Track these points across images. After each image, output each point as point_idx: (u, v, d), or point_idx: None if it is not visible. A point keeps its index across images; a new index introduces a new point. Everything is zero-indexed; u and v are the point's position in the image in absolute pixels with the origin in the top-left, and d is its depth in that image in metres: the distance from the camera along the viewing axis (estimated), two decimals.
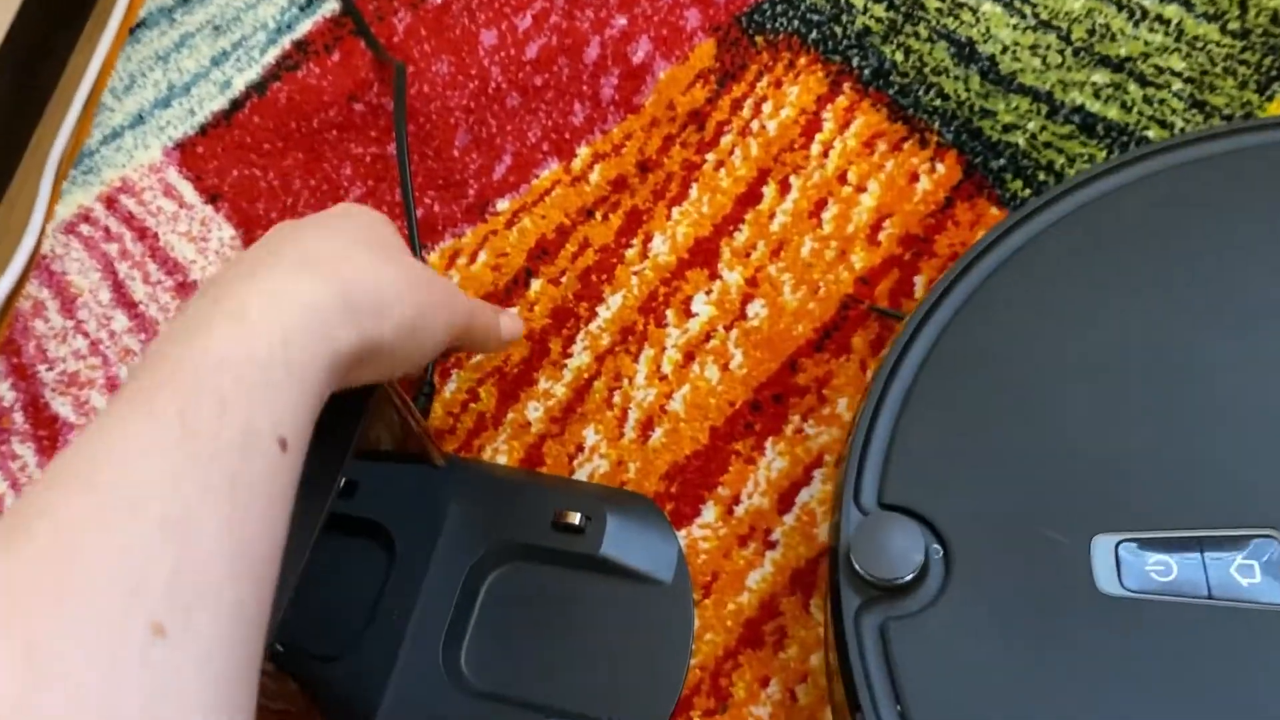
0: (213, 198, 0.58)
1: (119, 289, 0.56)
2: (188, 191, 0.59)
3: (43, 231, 0.59)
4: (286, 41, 0.63)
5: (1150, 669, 0.32)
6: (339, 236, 0.35)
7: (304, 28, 0.64)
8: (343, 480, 0.37)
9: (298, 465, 0.30)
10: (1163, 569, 0.33)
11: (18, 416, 0.53)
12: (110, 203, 0.59)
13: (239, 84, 0.62)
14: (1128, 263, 0.39)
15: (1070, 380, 0.37)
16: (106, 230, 0.58)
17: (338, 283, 0.32)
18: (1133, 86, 0.52)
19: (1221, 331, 0.37)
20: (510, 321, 0.44)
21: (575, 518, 0.43)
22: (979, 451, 0.36)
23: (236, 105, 0.62)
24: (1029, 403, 0.37)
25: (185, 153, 0.60)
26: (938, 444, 0.37)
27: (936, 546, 0.35)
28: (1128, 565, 0.33)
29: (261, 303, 0.30)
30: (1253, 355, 0.36)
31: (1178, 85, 0.52)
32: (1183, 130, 0.50)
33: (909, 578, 0.34)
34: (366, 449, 0.44)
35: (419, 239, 0.54)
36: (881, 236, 0.50)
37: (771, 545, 0.44)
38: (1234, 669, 0.32)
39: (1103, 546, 0.34)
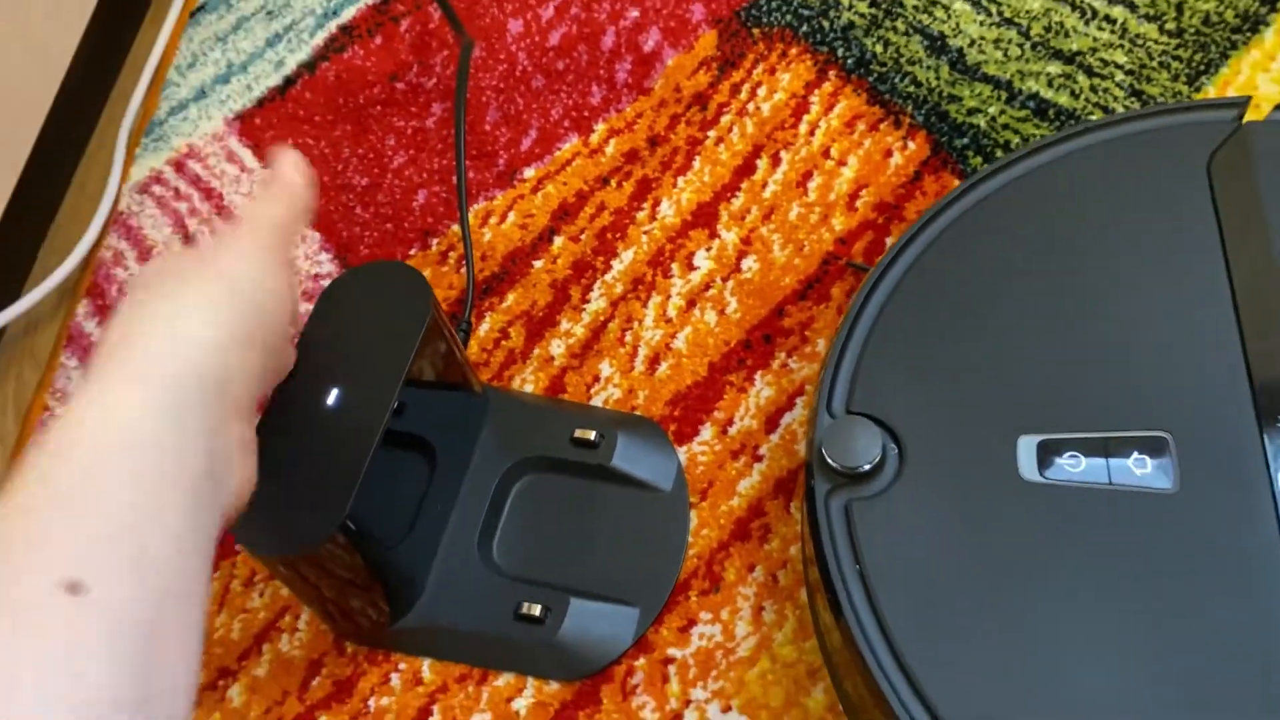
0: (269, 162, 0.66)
1: (188, 238, 0.64)
2: (247, 157, 0.66)
3: (119, 191, 0.66)
4: (333, 26, 0.71)
5: (1061, 540, 0.40)
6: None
7: (349, 14, 0.71)
8: (397, 402, 0.44)
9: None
10: (1074, 462, 0.41)
11: None
12: (179, 166, 0.67)
13: (291, 63, 0.70)
14: (1054, 220, 0.47)
15: (1005, 313, 0.45)
16: (176, 190, 0.66)
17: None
18: (1081, 77, 0.60)
19: (1127, 274, 0.45)
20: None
21: (590, 435, 0.51)
22: (929, 370, 0.44)
23: (289, 82, 0.69)
24: (971, 331, 0.45)
25: (244, 123, 0.68)
26: (895, 364, 0.45)
27: (893, 444, 0.43)
28: (1046, 459, 0.41)
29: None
30: (1151, 293, 0.44)
31: (1120, 76, 0.60)
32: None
33: (868, 467, 0.42)
34: (414, 378, 0.51)
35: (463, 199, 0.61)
36: (858, 204, 0.58)
37: (759, 459, 0.52)
38: (1127, 539, 0.40)
39: (1025, 444, 0.42)
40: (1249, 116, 0.48)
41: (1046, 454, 0.41)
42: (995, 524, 0.41)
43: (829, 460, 0.42)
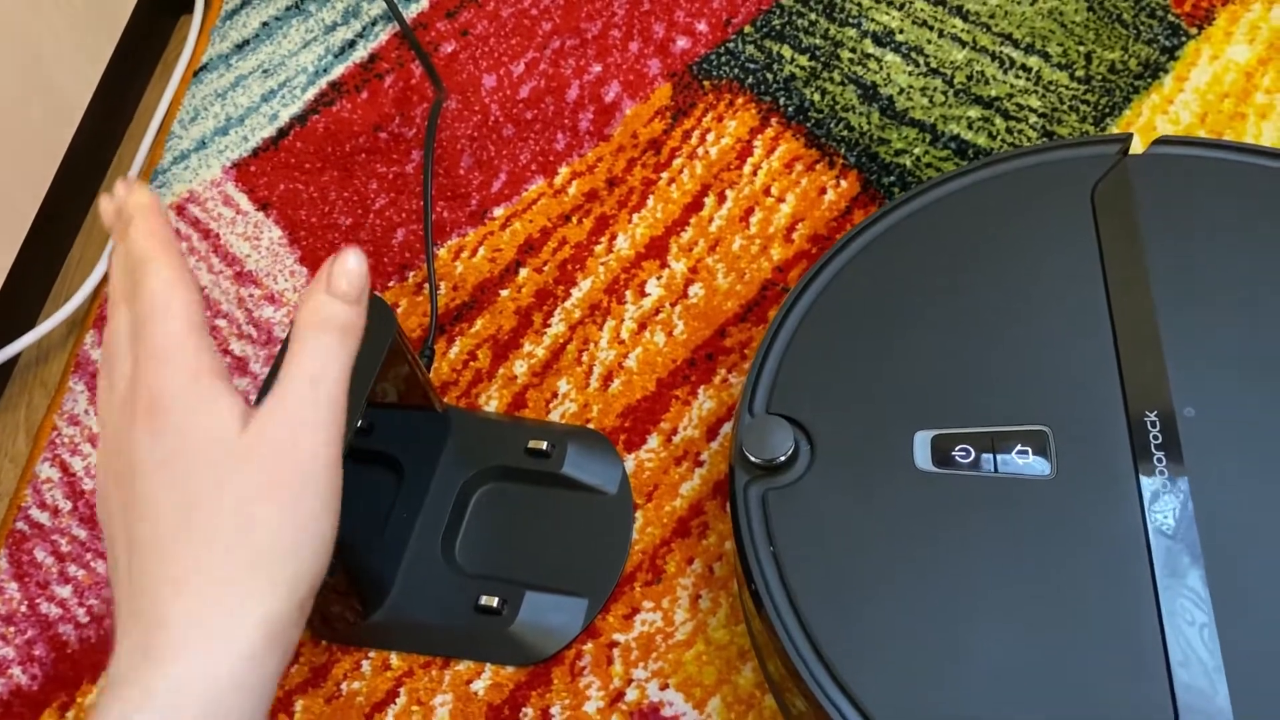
0: (263, 206, 0.72)
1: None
2: (243, 201, 0.73)
3: None
4: (324, 82, 0.77)
5: (953, 524, 0.45)
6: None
7: (338, 71, 0.78)
8: (360, 421, 0.49)
9: None
10: (964, 454, 0.46)
11: None
12: (180, 210, 0.73)
13: (284, 116, 0.76)
14: (956, 242, 0.52)
15: (909, 325, 0.50)
16: (177, 232, 0.72)
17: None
18: (998, 120, 0.66)
19: (1018, 289, 0.50)
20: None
21: (543, 445, 0.56)
22: (840, 375, 0.49)
23: (282, 133, 0.76)
24: (879, 341, 0.50)
25: (240, 171, 0.74)
26: (810, 370, 0.50)
27: (805, 440, 0.48)
28: (939, 452, 0.46)
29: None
30: (1038, 306, 0.49)
31: (1033, 119, 0.66)
32: None
33: (781, 459, 0.47)
34: (382, 400, 0.56)
35: (432, 238, 0.67)
36: (795, 235, 0.64)
37: (700, 464, 0.57)
38: (1010, 520, 0.44)
39: (921, 438, 0.47)
40: (1134, 151, 0.54)
41: (940, 447, 0.46)
42: (894, 510, 0.46)
43: (747, 454, 0.47)
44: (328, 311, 0.36)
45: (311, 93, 0.77)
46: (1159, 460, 0.44)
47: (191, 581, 0.32)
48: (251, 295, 0.68)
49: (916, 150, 0.66)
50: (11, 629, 0.57)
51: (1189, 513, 0.43)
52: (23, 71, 0.68)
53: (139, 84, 0.81)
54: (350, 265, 0.37)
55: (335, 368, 0.36)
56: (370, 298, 0.52)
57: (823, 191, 0.65)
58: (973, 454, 0.46)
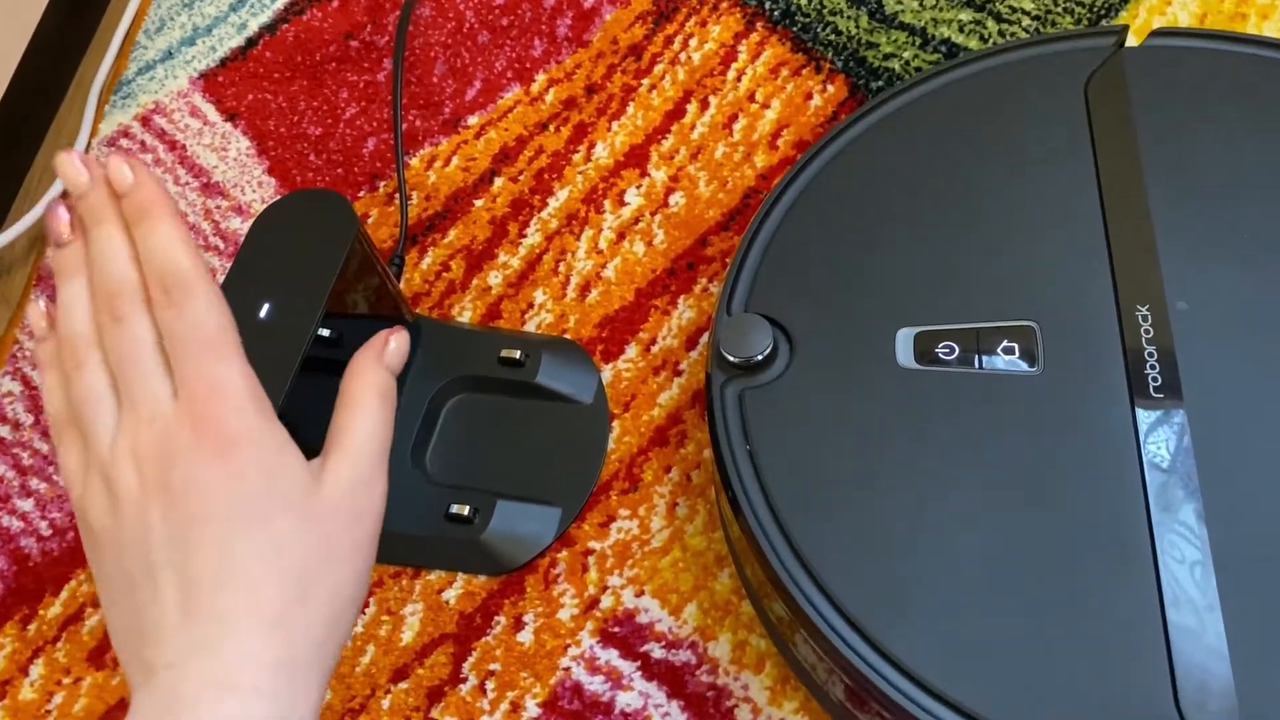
0: (231, 117, 0.70)
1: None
2: (210, 112, 0.70)
3: (89, 146, 0.70)
4: None
5: (935, 420, 0.43)
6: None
7: None
8: (319, 326, 0.47)
9: None
10: (948, 350, 0.44)
11: None
12: (145, 121, 0.71)
13: (253, 25, 0.74)
14: (942, 138, 0.50)
15: (893, 222, 0.48)
16: (142, 143, 0.70)
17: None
18: (990, 22, 0.64)
19: (1006, 184, 0.48)
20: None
21: (516, 354, 0.54)
22: (821, 274, 0.48)
23: (251, 43, 0.73)
24: (861, 239, 0.48)
25: (208, 81, 0.72)
26: (790, 269, 0.48)
27: (784, 339, 0.46)
28: (921, 349, 0.45)
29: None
30: (1027, 201, 0.47)
31: (1026, 21, 0.63)
32: None
33: (759, 358, 0.45)
34: (350, 311, 0.54)
35: (403, 147, 0.65)
36: (779, 142, 0.62)
37: (679, 374, 0.55)
38: (994, 417, 0.43)
39: (904, 336, 0.45)
40: (1129, 44, 0.51)
41: (923, 344, 0.45)
42: (874, 409, 0.44)
43: (724, 353, 0.46)
44: (380, 379, 0.39)
45: (281, 1, 0.74)
46: (1150, 355, 0.43)
47: (263, 618, 0.33)
48: (219, 206, 0.66)
49: (906, 54, 0.63)
50: None
51: (1182, 413, 0.41)
52: None
53: None
54: (403, 345, 0.41)
55: (387, 431, 0.39)
56: (330, 196, 0.51)
57: (809, 97, 0.63)
58: (957, 351, 0.44)
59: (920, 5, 0.65)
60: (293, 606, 0.33)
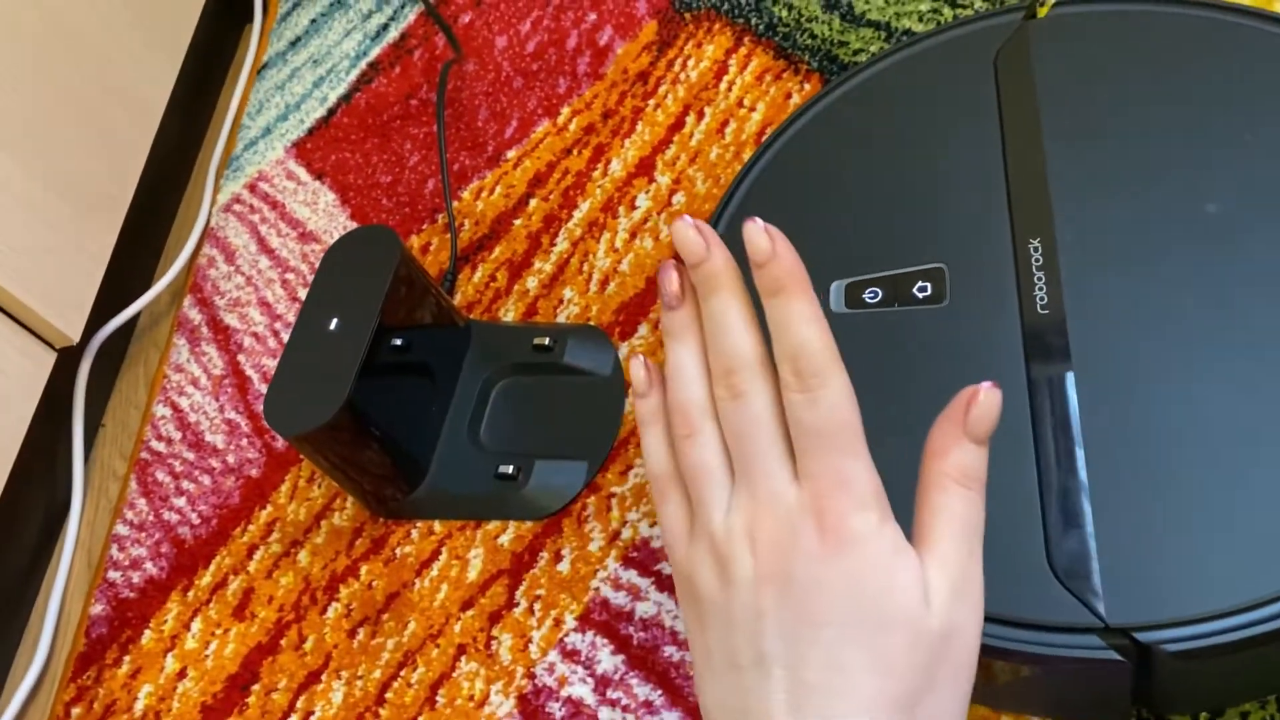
0: (319, 175, 0.84)
1: (261, 241, 0.82)
2: (302, 173, 0.84)
3: (210, 214, 0.85)
4: (363, 64, 0.89)
5: (865, 355, 0.52)
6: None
7: (375, 52, 0.89)
8: (376, 332, 0.59)
9: None
10: (873, 295, 0.53)
11: (204, 330, 0.79)
12: (252, 188, 0.86)
13: (332, 98, 0.88)
14: (878, 114, 0.59)
15: (833, 191, 0.57)
16: (250, 206, 0.85)
17: None
18: (946, 10, 0.71)
19: (926, 150, 0.56)
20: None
21: (546, 341, 0.66)
22: None
23: (331, 113, 0.87)
24: (808, 208, 0.57)
25: (299, 149, 0.86)
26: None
27: None
28: (851, 296, 0.54)
29: None
30: (943, 163, 0.56)
31: (979, 5, 0.71)
32: None
33: None
34: (413, 323, 0.66)
35: (453, 182, 0.77)
36: (764, 138, 0.71)
37: None
38: (908, 345, 0.51)
39: (836, 287, 0.54)
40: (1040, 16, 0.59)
41: (852, 292, 0.54)
42: None
43: None
44: (960, 461, 0.33)
45: (354, 74, 0.88)
46: (1039, 280, 0.50)
47: None
48: (313, 251, 0.80)
49: (872, 48, 0.72)
50: (143, 534, 0.70)
51: (1064, 326, 0.49)
52: (106, 86, 0.82)
53: (213, 88, 0.94)
54: (992, 401, 0.34)
55: (975, 522, 0.33)
56: (381, 230, 0.63)
57: (789, 96, 0.72)
58: (881, 294, 0.53)
59: (885, 2, 0.73)
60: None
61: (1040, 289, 0.50)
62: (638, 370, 0.38)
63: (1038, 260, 0.51)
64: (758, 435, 0.34)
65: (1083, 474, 0.45)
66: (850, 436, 0.34)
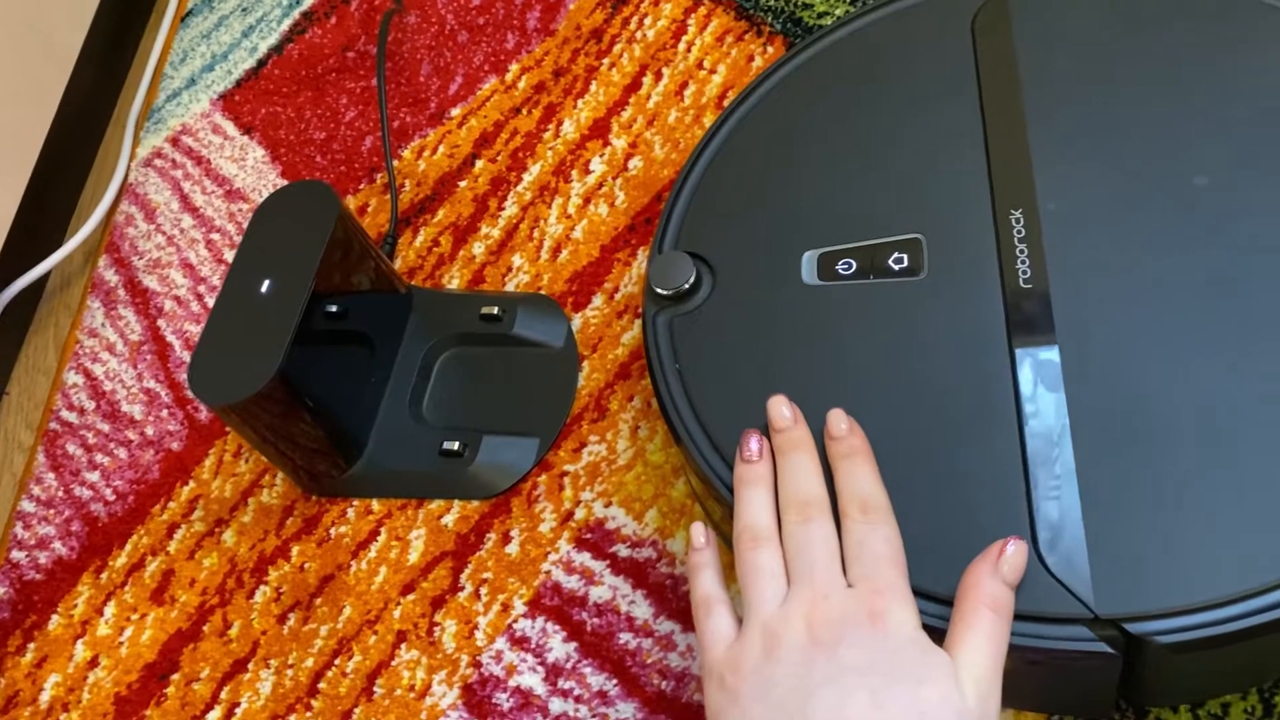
0: (247, 130, 0.78)
1: (184, 199, 0.76)
2: (230, 128, 0.79)
3: (128, 168, 0.80)
4: (296, 13, 0.83)
5: (837, 327, 0.49)
6: None
7: (309, 1, 0.83)
8: (310, 296, 0.55)
9: None
10: (846, 266, 0.50)
11: (121, 292, 0.74)
12: (175, 142, 0.80)
13: (263, 48, 0.82)
14: (850, 79, 0.56)
15: (801, 159, 0.54)
16: (173, 161, 0.79)
17: None
18: None
19: (903, 117, 0.54)
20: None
21: (495, 310, 0.62)
22: (740, 211, 0.54)
23: (261, 64, 0.82)
24: (775, 177, 0.54)
25: (226, 101, 0.81)
26: (714, 209, 0.54)
27: (708, 271, 0.53)
28: (824, 267, 0.51)
29: None
30: (920, 130, 0.53)
31: None
32: None
33: (685, 287, 0.52)
34: (350, 289, 0.62)
35: (394, 141, 0.73)
36: (725, 102, 0.68)
37: (640, 315, 0.62)
38: (883, 318, 0.49)
39: (808, 258, 0.51)
40: None
41: (825, 263, 0.51)
42: (782, 322, 0.50)
43: (654, 287, 0.52)
44: (992, 592, 0.39)
45: (286, 24, 0.83)
46: (1021, 252, 0.48)
47: None
48: (240, 210, 0.75)
49: (838, 10, 0.69)
50: (51, 511, 0.65)
51: (1048, 297, 0.47)
52: (12, 27, 0.75)
53: (132, 34, 0.87)
54: (1021, 553, 0.40)
55: (1001, 644, 0.38)
56: (316, 185, 0.59)
57: (751, 59, 0.69)
58: (855, 266, 0.50)
59: None
60: None
61: (1023, 261, 0.48)
62: (697, 531, 0.46)
63: (1020, 232, 0.49)
64: (821, 550, 0.41)
65: (1070, 458, 0.43)
66: (900, 562, 0.41)
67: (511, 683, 0.53)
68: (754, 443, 0.46)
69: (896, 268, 0.50)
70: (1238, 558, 0.40)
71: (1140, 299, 0.46)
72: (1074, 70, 0.53)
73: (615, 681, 0.52)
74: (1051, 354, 0.45)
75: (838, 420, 0.45)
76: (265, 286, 0.56)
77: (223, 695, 0.57)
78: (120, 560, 0.62)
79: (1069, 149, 0.50)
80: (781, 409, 0.46)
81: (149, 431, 0.67)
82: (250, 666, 0.57)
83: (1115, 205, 0.49)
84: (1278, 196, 0.47)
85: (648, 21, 0.73)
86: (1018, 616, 0.39)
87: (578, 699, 0.52)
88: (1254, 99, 0.49)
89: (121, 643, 0.60)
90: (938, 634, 0.39)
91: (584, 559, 0.55)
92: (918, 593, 0.40)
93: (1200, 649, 0.39)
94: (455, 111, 0.74)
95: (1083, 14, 0.54)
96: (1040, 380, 0.45)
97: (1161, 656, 0.39)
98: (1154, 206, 0.48)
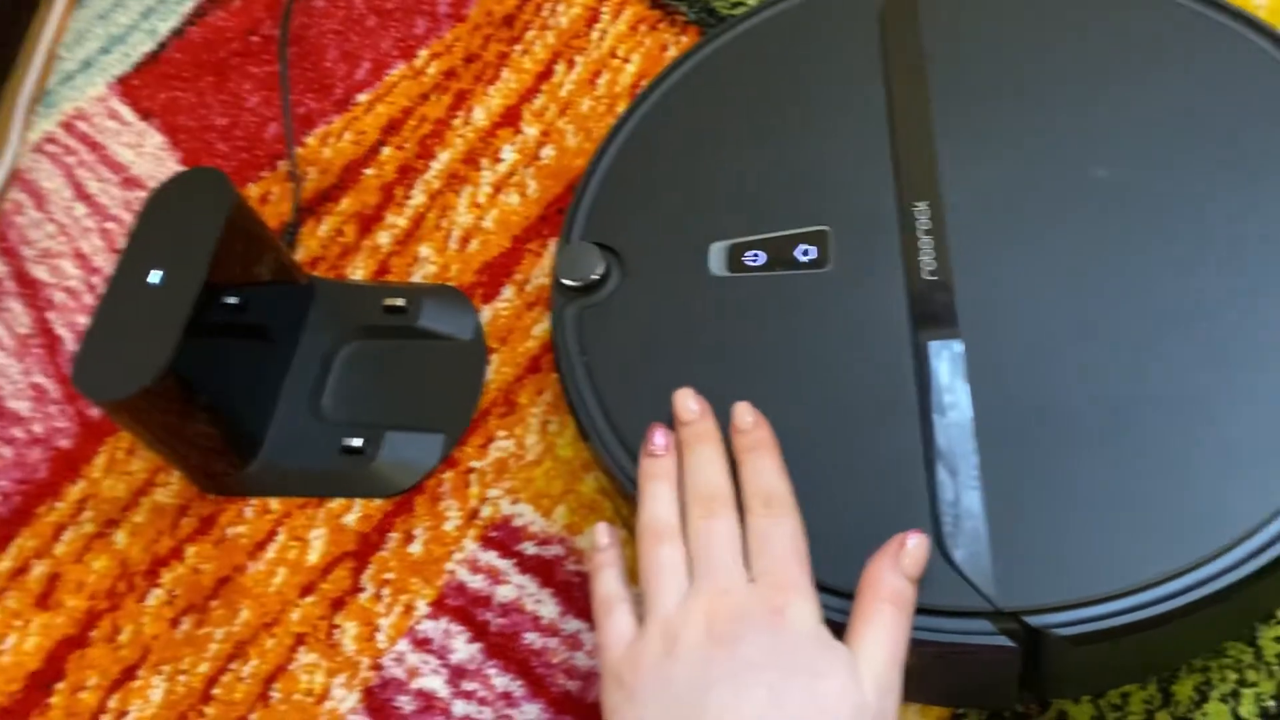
0: (146, 115, 0.75)
1: (77, 186, 0.73)
2: (126, 113, 0.76)
3: (18, 154, 0.76)
4: None
5: (744, 318, 0.49)
6: None
7: None
8: (203, 289, 0.53)
9: None
10: (754, 257, 0.50)
11: (9, 283, 0.70)
12: (68, 127, 0.76)
13: (163, 30, 0.79)
14: (757, 70, 0.55)
15: (711, 150, 0.54)
16: (66, 147, 0.76)
17: None
18: None
19: (809, 109, 0.53)
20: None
21: (400, 302, 0.60)
22: (648, 202, 0.53)
23: (162, 47, 0.78)
24: (683, 169, 0.53)
25: (124, 85, 0.77)
26: (622, 200, 0.53)
27: (616, 262, 0.52)
28: (732, 259, 0.50)
29: None
30: (826, 122, 0.53)
31: None
32: None
33: (594, 279, 0.51)
34: (248, 280, 0.59)
35: (298, 127, 0.70)
36: (639, 91, 0.67)
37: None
38: (790, 310, 0.48)
39: (716, 249, 0.50)
40: None
41: (733, 254, 0.50)
42: (690, 314, 0.50)
43: (561, 279, 0.51)
44: (893, 587, 0.39)
45: (188, 6, 0.80)
46: (925, 245, 0.48)
47: None
48: (136, 198, 0.72)
49: (752, 1, 0.68)
50: None
51: (952, 292, 0.46)
52: None
53: (23, 14, 0.83)
54: (922, 546, 0.40)
55: (901, 639, 0.38)
56: (210, 173, 0.57)
57: (665, 49, 0.68)
58: (763, 257, 0.50)
59: None
60: None
61: (927, 253, 0.48)
62: (601, 531, 0.45)
63: (924, 224, 0.49)
64: (725, 545, 0.40)
65: (973, 451, 0.43)
66: (802, 556, 0.40)
67: (414, 685, 0.51)
68: (659, 436, 0.45)
69: (803, 259, 0.49)
70: (1137, 550, 0.40)
71: (1044, 291, 0.46)
72: (980, 63, 0.53)
73: (521, 682, 0.51)
74: (956, 346, 0.45)
75: (743, 413, 0.44)
76: (156, 277, 0.53)
77: (111, 704, 0.54)
78: (3, 564, 0.59)
79: (974, 141, 0.50)
80: (688, 402, 0.45)
81: (36, 429, 0.64)
82: (140, 673, 0.55)
83: (1020, 198, 0.49)
84: (1179, 190, 0.47)
85: (561, 8, 0.72)
86: (919, 610, 0.39)
87: (482, 701, 0.50)
88: (1158, 93, 0.50)
89: (3, 651, 0.57)
90: (840, 628, 0.38)
91: (490, 557, 0.54)
92: (821, 587, 0.40)
93: (1099, 640, 0.39)
94: (362, 97, 0.72)
95: (990, 7, 0.55)
96: (944, 372, 0.45)
97: (1062, 648, 0.39)
98: (1057, 199, 0.48)
